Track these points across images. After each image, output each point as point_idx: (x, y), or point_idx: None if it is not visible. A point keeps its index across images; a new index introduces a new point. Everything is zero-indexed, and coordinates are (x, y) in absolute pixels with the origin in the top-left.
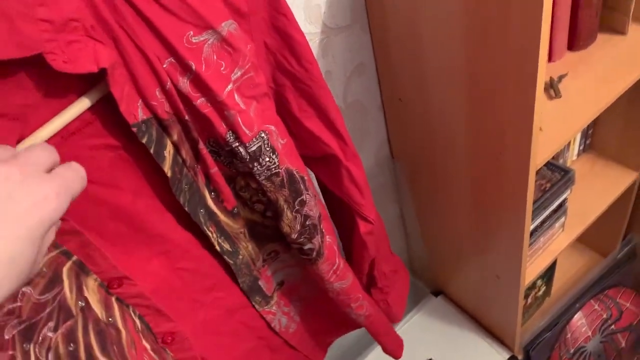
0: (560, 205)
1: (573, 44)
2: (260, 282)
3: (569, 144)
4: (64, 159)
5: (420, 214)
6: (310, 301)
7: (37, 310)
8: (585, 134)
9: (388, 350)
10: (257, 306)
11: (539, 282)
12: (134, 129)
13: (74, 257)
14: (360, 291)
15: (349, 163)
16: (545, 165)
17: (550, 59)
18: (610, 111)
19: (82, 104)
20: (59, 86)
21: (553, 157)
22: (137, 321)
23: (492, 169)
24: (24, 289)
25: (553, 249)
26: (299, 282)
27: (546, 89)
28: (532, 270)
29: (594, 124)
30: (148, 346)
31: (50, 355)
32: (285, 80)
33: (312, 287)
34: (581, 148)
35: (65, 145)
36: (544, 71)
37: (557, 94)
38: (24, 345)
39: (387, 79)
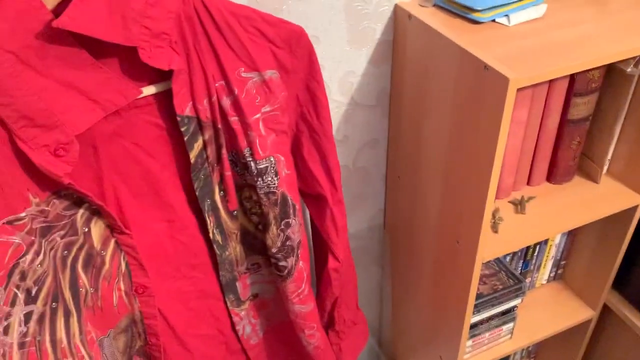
0: (510, 311)
1: (551, 178)
2: (237, 284)
3: (539, 267)
4: (128, 122)
5: (394, 285)
6: (277, 325)
7: (57, 218)
8: (557, 264)
9: None
10: (228, 303)
11: None
12: (178, 119)
13: (94, 207)
14: (316, 321)
15: (333, 206)
16: (506, 272)
17: (529, 183)
18: (579, 249)
19: (149, 89)
20: (134, 73)
21: (522, 274)
22: (123, 265)
23: (450, 254)
24: (54, 200)
25: (497, 350)
26: (271, 302)
27: (515, 204)
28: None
29: (567, 256)
30: (123, 287)
31: (51, 252)
32: (304, 128)
33: (282, 311)
34: (552, 275)
35: (130, 112)
36: (494, 189)
37: (522, 211)
38: (40, 237)
39: (393, 158)
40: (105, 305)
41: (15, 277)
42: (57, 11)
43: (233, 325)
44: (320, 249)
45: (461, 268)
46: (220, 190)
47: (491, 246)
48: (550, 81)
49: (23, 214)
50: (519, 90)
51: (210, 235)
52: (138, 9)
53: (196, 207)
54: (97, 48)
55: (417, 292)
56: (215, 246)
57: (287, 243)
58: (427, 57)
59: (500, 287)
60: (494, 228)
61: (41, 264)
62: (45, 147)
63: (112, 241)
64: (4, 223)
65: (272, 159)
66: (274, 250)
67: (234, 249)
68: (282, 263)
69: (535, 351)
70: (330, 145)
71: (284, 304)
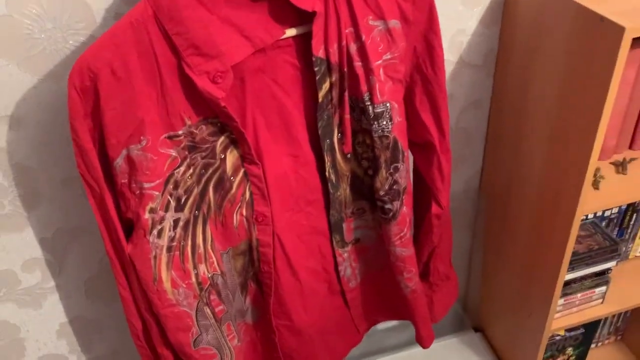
0: (603, 273)
1: None
2: (343, 224)
3: (635, 237)
4: (271, 61)
5: (486, 250)
6: (374, 272)
7: (202, 141)
8: None
9: (419, 336)
10: (334, 243)
11: (570, 350)
12: (313, 59)
13: (233, 136)
14: (414, 266)
15: (441, 154)
16: (602, 234)
17: (631, 146)
18: None
19: (291, 32)
20: (280, 16)
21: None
22: (247, 193)
23: (549, 212)
24: (202, 126)
25: (588, 313)
26: (371, 248)
27: (617, 165)
28: (562, 320)
29: None
30: (245, 213)
31: (192, 168)
32: (417, 79)
33: (380, 258)
34: None
35: (274, 51)
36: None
37: (624, 171)
38: (187, 152)
39: (496, 119)
40: (226, 222)
41: (170, 185)
42: None
43: (336, 265)
44: (422, 199)
45: (560, 223)
46: (338, 132)
47: (591, 202)
48: None
49: (180, 132)
50: (631, 48)
51: (326, 173)
52: None
53: (316, 146)
54: None
55: (509, 254)
56: (329, 185)
57: (394, 187)
58: (539, 14)
59: (596, 247)
60: (595, 185)
61: (191, 176)
62: (206, 74)
63: (242, 171)
64: (165, 137)
65: (387, 105)
66: (381, 192)
67: (344, 190)
68: (387, 206)
69: (623, 329)
70: (443, 95)
71: (383, 251)
